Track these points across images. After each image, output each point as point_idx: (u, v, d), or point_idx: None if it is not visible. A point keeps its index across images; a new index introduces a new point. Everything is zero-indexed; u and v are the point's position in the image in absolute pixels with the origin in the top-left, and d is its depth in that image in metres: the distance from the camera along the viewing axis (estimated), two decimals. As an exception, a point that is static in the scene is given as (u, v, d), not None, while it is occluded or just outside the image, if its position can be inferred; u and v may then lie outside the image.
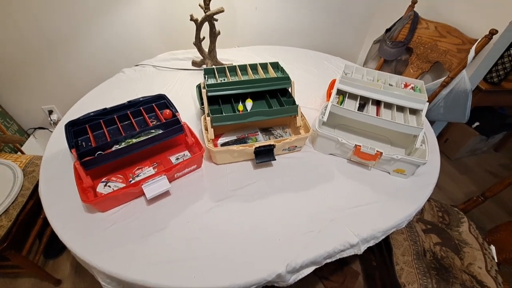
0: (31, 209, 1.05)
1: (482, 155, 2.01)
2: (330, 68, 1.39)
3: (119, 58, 1.46)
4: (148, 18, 1.40)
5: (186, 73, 1.28)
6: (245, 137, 0.93)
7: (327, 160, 0.90)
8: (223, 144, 0.89)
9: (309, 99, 1.14)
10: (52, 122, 1.56)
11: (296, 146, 0.89)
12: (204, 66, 1.30)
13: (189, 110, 1.05)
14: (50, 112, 1.56)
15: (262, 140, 0.92)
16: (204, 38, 1.18)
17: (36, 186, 1.07)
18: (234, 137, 0.92)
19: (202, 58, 1.26)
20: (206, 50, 1.24)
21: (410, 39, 1.49)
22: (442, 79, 1.35)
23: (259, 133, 0.95)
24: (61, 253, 1.34)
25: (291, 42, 1.77)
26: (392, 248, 0.98)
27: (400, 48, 1.52)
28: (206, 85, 0.84)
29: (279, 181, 0.82)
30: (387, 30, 1.56)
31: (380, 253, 1.11)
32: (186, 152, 0.87)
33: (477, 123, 1.78)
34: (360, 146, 0.81)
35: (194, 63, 1.31)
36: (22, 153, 1.37)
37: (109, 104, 1.04)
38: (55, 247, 1.32)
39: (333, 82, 1.09)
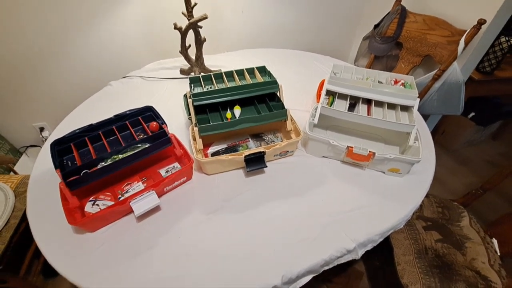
0: (24, 230, 1.03)
1: (480, 145, 1.99)
2: (320, 68, 1.37)
3: (106, 71, 1.45)
4: (134, 29, 1.39)
5: (175, 81, 1.26)
6: (236, 144, 0.91)
7: (320, 163, 0.88)
8: (213, 154, 0.88)
9: (300, 101, 1.12)
10: (44, 139, 1.54)
11: (288, 151, 0.87)
12: (193, 74, 1.29)
13: (179, 120, 1.04)
14: (42, 129, 1.54)
15: (253, 147, 0.90)
16: (190, 45, 1.16)
17: (28, 206, 1.06)
18: (224, 146, 0.91)
19: (190, 66, 1.25)
20: (193, 57, 1.23)
21: (399, 33, 1.48)
22: (434, 72, 1.33)
23: (250, 140, 0.93)
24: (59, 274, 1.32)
25: (280, 43, 1.76)
26: (392, 248, 0.96)
27: (389, 44, 1.51)
28: (192, 94, 0.82)
29: (271, 188, 0.80)
30: (376, 26, 1.55)
31: (382, 253, 1.09)
32: (176, 164, 0.85)
33: (472, 113, 1.76)
34: (352, 147, 0.79)
35: (182, 71, 1.29)
36: (15, 173, 1.36)
37: (96, 119, 1.02)
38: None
39: (323, 82, 1.07)
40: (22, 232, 1.01)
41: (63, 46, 1.33)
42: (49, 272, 1.30)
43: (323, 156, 0.89)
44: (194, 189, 0.80)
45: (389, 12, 1.50)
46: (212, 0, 1.41)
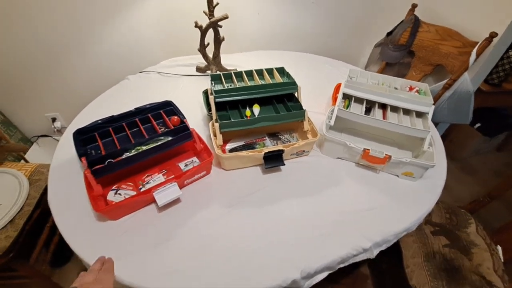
0: (37, 218, 1.04)
1: (486, 155, 2.02)
2: (333, 72, 1.39)
3: (122, 65, 1.47)
4: (151, 25, 1.41)
5: (191, 79, 1.28)
6: (253, 142, 0.93)
7: (335, 164, 0.90)
8: (231, 150, 0.89)
9: (314, 103, 1.14)
10: (55, 129, 1.56)
11: (304, 151, 0.89)
12: (209, 72, 1.31)
13: (195, 116, 1.06)
14: (54, 119, 1.55)
15: (269, 145, 0.92)
16: (208, 44, 1.18)
17: (42, 194, 1.07)
18: (242, 143, 0.93)
19: (206, 64, 1.27)
20: (210, 56, 1.25)
21: (412, 42, 1.50)
22: (445, 81, 1.36)
23: (266, 138, 0.95)
24: (67, 262, 1.33)
25: (292, 46, 1.78)
26: (401, 251, 0.98)
27: (402, 52, 1.54)
28: (214, 91, 0.84)
29: (288, 186, 0.82)
30: (389, 34, 1.58)
31: (389, 256, 1.11)
32: (195, 158, 0.87)
33: (478, 124, 1.79)
34: (368, 150, 0.81)
35: (198, 69, 1.31)
36: (26, 161, 1.37)
37: (115, 111, 1.04)
38: (62, 255, 1.31)
39: (338, 86, 1.10)
40: (34, 220, 1.03)
41: (80, 39, 1.34)
42: (57, 261, 1.31)
43: (338, 157, 0.91)
44: (213, 183, 0.82)
45: (402, 21, 1.53)
46: (229, 0, 1.44)
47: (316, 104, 1.15)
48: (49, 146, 1.59)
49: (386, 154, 0.81)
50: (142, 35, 1.42)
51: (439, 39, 1.40)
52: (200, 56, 1.27)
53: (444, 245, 1.01)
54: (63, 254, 1.32)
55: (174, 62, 1.38)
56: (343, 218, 0.74)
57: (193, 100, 1.15)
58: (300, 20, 1.70)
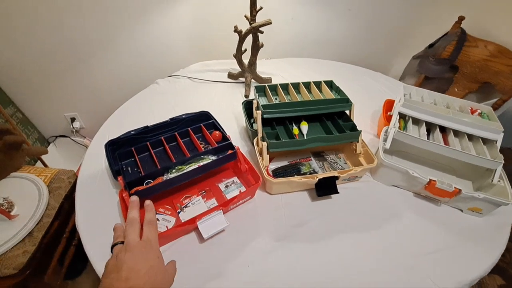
0: (55, 230, 0.97)
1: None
2: (374, 85, 1.30)
3: (148, 68, 1.40)
4: (182, 27, 1.33)
5: (223, 85, 1.20)
6: (298, 162, 0.84)
7: (390, 192, 0.81)
8: (275, 170, 0.81)
9: (357, 120, 1.05)
10: (74, 130, 1.49)
11: (356, 176, 0.80)
12: (242, 79, 1.23)
13: (231, 128, 0.97)
14: (73, 119, 1.49)
15: (316, 167, 0.83)
16: (246, 50, 1.10)
17: (62, 204, 1.00)
18: (285, 162, 0.84)
19: (240, 70, 1.19)
20: (246, 62, 1.16)
21: (456, 56, 1.41)
22: (494, 101, 1.26)
23: (312, 158, 0.86)
24: (80, 274, 1.25)
25: (320, 54, 1.69)
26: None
27: (444, 66, 1.44)
28: (262, 106, 0.76)
29: (341, 217, 0.73)
30: (430, 46, 1.48)
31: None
32: (235, 179, 0.79)
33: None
34: (435, 181, 0.72)
35: (230, 76, 1.23)
36: (43, 162, 1.30)
37: (145, 118, 0.96)
38: (75, 267, 1.23)
39: (388, 102, 1.01)
40: (52, 234, 0.95)
41: (107, 39, 1.28)
42: (69, 273, 1.23)
43: (393, 185, 0.82)
44: (257, 209, 0.73)
45: (446, 34, 1.44)
46: (262, 4, 1.36)
47: (359, 120, 1.05)
48: (66, 147, 1.53)
49: (455, 188, 0.71)
50: (172, 37, 1.35)
51: (489, 56, 1.30)
52: (231, 61, 1.19)
53: (500, 286, 0.91)
54: (76, 266, 1.24)
55: (204, 67, 1.30)
56: (409, 260, 0.65)
57: (227, 109, 1.07)
58: (333, 27, 1.61)
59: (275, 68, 1.34)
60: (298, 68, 1.39)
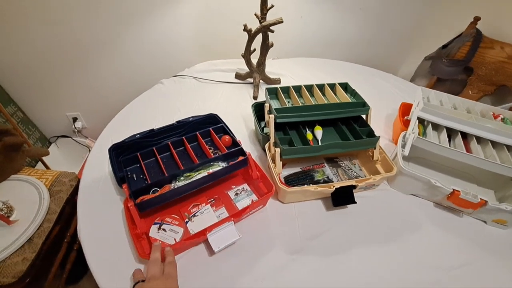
0: (56, 235, 0.93)
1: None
2: (385, 86, 1.26)
3: (152, 67, 1.35)
4: (188, 25, 1.29)
5: (230, 86, 1.16)
6: (311, 169, 0.80)
7: (409, 202, 0.77)
8: (287, 177, 0.77)
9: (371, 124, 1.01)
10: (76, 130, 1.45)
11: (373, 184, 0.76)
12: (249, 80, 1.18)
13: (239, 131, 0.93)
14: (75, 119, 1.45)
15: (329, 173, 0.79)
16: (255, 50, 1.06)
17: (63, 208, 0.96)
18: (298, 169, 0.80)
19: (248, 71, 1.14)
20: (254, 62, 1.12)
21: (471, 58, 1.36)
22: (510, 104, 1.21)
23: (325, 165, 0.82)
24: (80, 279, 1.22)
25: (328, 53, 1.64)
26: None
27: (457, 67, 1.39)
28: (275, 109, 0.71)
29: (357, 227, 0.69)
30: (444, 47, 1.43)
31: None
32: (245, 186, 0.74)
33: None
34: (459, 191, 0.68)
35: (237, 76, 1.19)
36: (44, 163, 1.26)
37: (151, 120, 0.93)
38: (76, 271, 1.19)
39: (404, 106, 0.96)
40: (52, 239, 0.91)
41: (112, 38, 1.24)
42: (70, 278, 1.19)
43: (412, 194, 0.78)
44: (269, 218, 0.69)
45: (461, 34, 1.39)
46: (272, 2, 1.32)
47: (372, 124, 1.01)
48: (68, 148, 1.49)
49: (481, 199, 0.67)
50: (177, 35, 1.30)
51: (506, 58, 1.25)
52: (239, 61, 1.15)
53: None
54: (77, 271, 1.21)
55: (210, 67, 1.25)
56: (434, 275, 0.61)
57: (234, 111, 1.02)
58: (343, 26, 1.57)
59: (283, 68, 1.30)
60: (307, 69, 1.34)
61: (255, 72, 1.12)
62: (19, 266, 0.78)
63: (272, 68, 1.25)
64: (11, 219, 0.82)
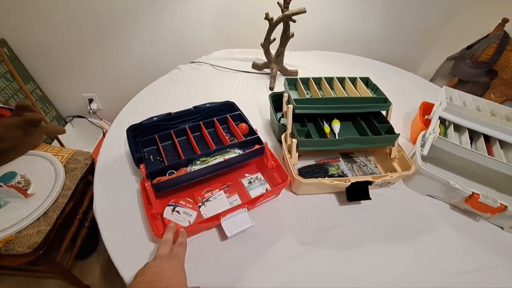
0: (70, 211, 0.95)
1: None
2: (405, 85, 1.23)
3: (170, 52, 1.35)
4: (207, 14, 1.28)
5: (247, 76, 1.15)
6: (325, 162, 0.79)
7: (424, 202, 0.75)
8: (301, 169, 0.76)
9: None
10: (91, 111, 1.47)
11: (389, 182, 0.74)
12: (266, 70, 1.17)
13: (254, 121, 0.91)
14: (91, 100, 1.47)
15: (344, 169, 0.78)
16: (274, 39, 1.04)
17: (77, 186, 0.98)
18: (312, 161, 0.79)
19: (266, 61, 1.13)
20: (273, 52, 1.10)
21: (496, 60, 1.31)
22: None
23: (340, 159, 0.81)
24: (90, 255, 1.25)
25: (345, 48, 1.60)
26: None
27: (481, 69, 1.35)
28: (295, 100, 0.70)
29: (370, 224, 0.68)
30: (468, 47, 1.38)
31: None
32: (259, 175, 0.74)
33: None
34: (478, 195, 0.66)
35: (254, 66, 1.18)
36: (59, 141, 1.29)
37: (167, 105, 0.93)
38: (86, 248, 1.23)
39: (425, 105, 0.94)
40: (67, 213, 0.93)
41: (133, 21, 1.24)
42: (80, 253, 1.23)
43: (428, 195, 0.76)
44: (282, 209, 0.69)
45: (487, 36, 1.34)
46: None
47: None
48: (83, 128, 1.51)
49: (501, 204, 0.65)
50: (196, 21, 1.29)
51: (534, 62, 1.20)
52: (257, 50, 1.14)
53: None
54: (87, 246, 1.24)
55: (228, 55, 1.24)
56: (445, 278, 0.60)
57: (250, 101, 1.02)
58: (364, 21, 1.53)
59: (300, 61, 1.28)
60: (324, 62, 1.32)
61: (273, 63, 1.10)
62: (34, 238, 0.80)
63: (289, 59, 1.24)
64: (28, 192, 0.84)
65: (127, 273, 0.54)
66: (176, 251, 0.50)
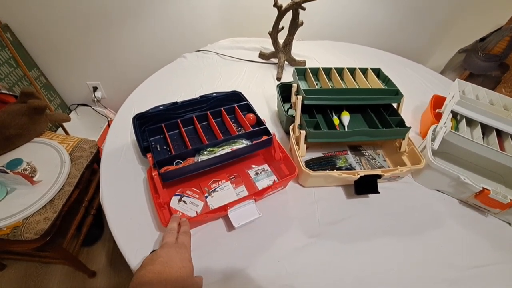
0: (75, 199, 0.95)
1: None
2: (415, 77, 1.20)
3: (175, 40, 1.33)
4: (213, 1, 1.24)
5: (253, 65, 1.13)
6: (333, 155, 0.78)
7: (433, 197, 0.74)
8: (308, 161, 0.75)
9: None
10: (96, 99, 1.46)
11: (398, 176, 0.74)
12: (274, 60, 1.15)
13: (261, 112, 0.89)
14: (95, 88, 1.45)
15: (352, 161, 0.77)
16: (283, 28, 1.01)
17: (82, 174, 0.98)
18: (320, 154, 0.78)
19: (272, 50, 1.11)
20: (281, 42, 1.08)
21: (508, 53, 1.28)
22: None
23: (348, 152, 0.80)
24: (96, 242, 1.26)
25: (354, 38, 1.56)
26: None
27: (493, 63, 1.31)
28: (304, 90, 0.69)
29: (378, 218, 0.68)
30: (481, 40, 1.35)
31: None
32: (266, 166, 0.73)
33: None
34: (489, 190, 0.65)
35: (261, 55, 1.15)
36: (64, 129, 1.28)
37: (172, 94, 0.92)
38: (91, 235, 1.24)
39: (436, 98, 0.92)
40: (72, 202, 0.94)
41: (137, 7, 1.20)
42: (86, 240, 1.24)
43: (436, 190, 0.75)
44: (289, 201, 0.68)
45: (500, 28, 1.30)
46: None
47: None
48: (87, 116, 1.51)
49: (511, 199, 0.64)
50: (201, 8, 1.26)
51: (549, 55, 1.17)
52: (264, 39, 1.12)
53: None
54: (93, 233, 1.26)
55: (234, 43, 1.22)
56: (451, 273, 0.59)
57: (257, 91, 1.00)
58: (374, 11, 1.48)
59: (308, 51, 1.25)
60: (332, 52, 1.29)
61: (280, 52, 1.08)
62: (41, 224, 0.81)
63: (296, 49, 1.21)
64: (34, 179, 0.84)
65: (134, 260, 0.54)
66: (182, 239, 0.50)
